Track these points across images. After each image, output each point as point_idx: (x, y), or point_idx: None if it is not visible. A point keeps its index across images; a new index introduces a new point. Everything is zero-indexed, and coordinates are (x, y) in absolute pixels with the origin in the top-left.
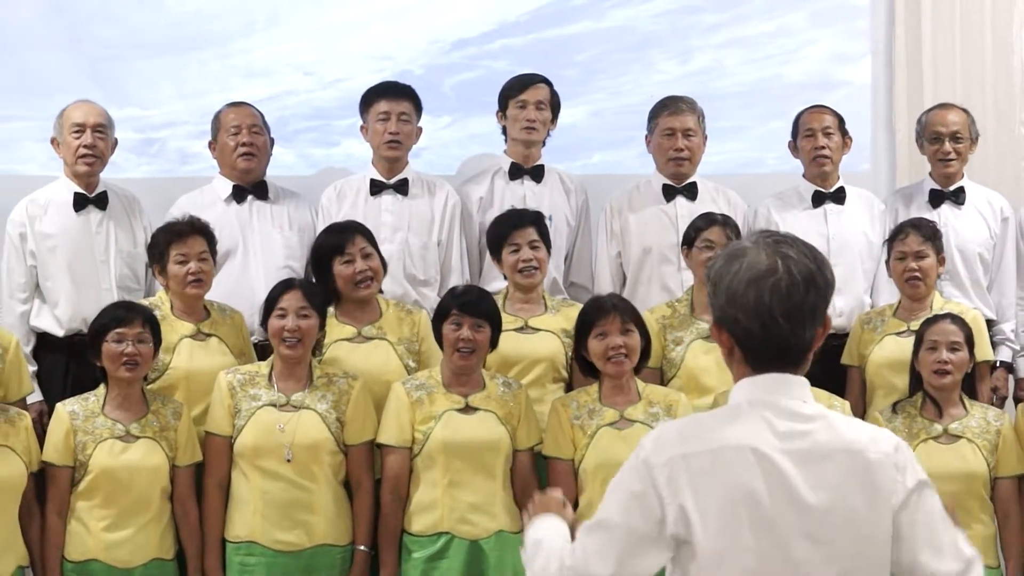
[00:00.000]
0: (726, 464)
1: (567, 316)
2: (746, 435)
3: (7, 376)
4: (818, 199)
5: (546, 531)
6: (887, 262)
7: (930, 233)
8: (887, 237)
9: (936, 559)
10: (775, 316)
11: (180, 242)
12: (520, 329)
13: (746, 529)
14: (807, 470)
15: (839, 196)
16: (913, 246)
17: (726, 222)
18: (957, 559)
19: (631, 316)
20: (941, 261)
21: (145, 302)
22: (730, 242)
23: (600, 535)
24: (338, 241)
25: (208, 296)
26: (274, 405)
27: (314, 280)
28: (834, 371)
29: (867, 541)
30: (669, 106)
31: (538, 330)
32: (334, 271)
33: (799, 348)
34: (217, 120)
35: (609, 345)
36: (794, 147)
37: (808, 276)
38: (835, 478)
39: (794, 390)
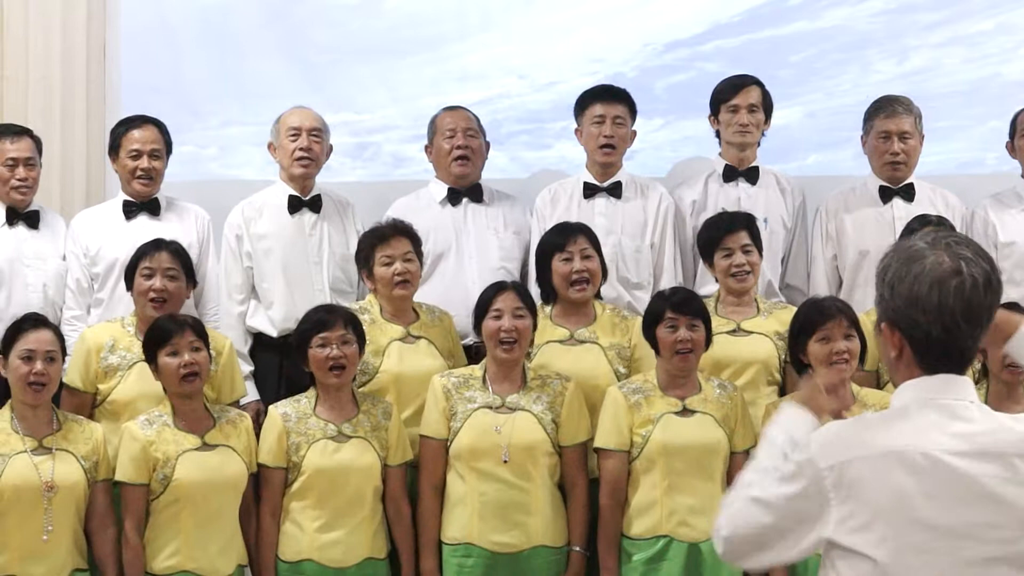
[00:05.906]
0: (895, 467)
1: (780, 319)
2: (915, 437)
3: (220, 379)
4: None
5: (766, 449)
6: None
7: None
8: None
9: None
10: (956, 318)
11: (384, 244)
12: (732, 332)
13: (916, 532)
14: (978, 470)
15: None
16: None
17: (940, 223)
18: None
19: (853, 320)
20: None
21: (355, 306)
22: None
23: (757, 512)
24: (560, 239)
25: (423, 298)
26: (489, 407)
27: (537, 279)
28: None
29: None
30: (884, 108)
31: (750, 333)
32: (552, 268)
33: (972, 349)
34: (433, 124)
35: (833, 350)
36: (1011, 147)
37: (986, 278)
38: (1006, 477)
39: (960, 391)
